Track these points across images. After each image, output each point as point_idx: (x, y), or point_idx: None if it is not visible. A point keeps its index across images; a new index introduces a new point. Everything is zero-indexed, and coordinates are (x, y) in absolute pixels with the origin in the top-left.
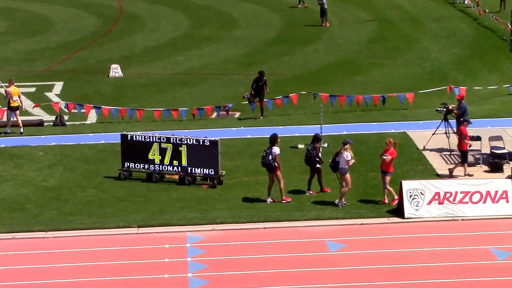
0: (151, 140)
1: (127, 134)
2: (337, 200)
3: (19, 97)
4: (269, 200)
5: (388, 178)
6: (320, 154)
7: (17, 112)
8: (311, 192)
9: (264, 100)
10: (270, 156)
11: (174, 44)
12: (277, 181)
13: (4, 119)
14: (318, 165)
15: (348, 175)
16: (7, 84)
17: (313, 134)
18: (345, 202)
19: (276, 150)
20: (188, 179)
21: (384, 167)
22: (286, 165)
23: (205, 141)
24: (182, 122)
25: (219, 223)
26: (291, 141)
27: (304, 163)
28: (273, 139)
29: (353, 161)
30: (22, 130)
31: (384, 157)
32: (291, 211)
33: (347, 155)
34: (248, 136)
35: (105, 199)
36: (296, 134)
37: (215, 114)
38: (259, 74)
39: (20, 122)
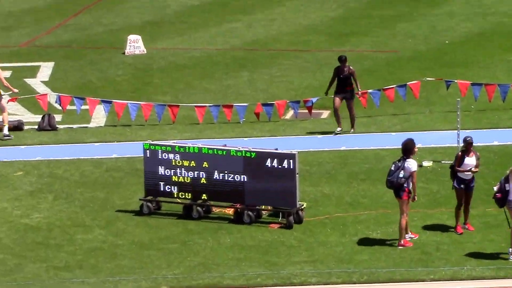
0: (191, 153)
1: (154, 144)
2: (510, 249)
3: None
4: (409, 236)
5: None
6: (471, 166)
7: None
8: (463, 229)
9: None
10: (402, 172)
11: (228, 3)
12: (400, 213)
13: None
14: (455, 185)
15: None
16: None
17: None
18: None
19: (412, 164)
20: (249, 214)
21: None
22: None
23: (276, 155)
24: (239, 125)
25: (298, 285)
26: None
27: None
28: (408, 148)
29: None
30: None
31: None
32: (411, 266)
33: None
34: (343, 148)
35: (120, 245)
36: (420, 145)
37: (291, 113)
38: (339, 61)
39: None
